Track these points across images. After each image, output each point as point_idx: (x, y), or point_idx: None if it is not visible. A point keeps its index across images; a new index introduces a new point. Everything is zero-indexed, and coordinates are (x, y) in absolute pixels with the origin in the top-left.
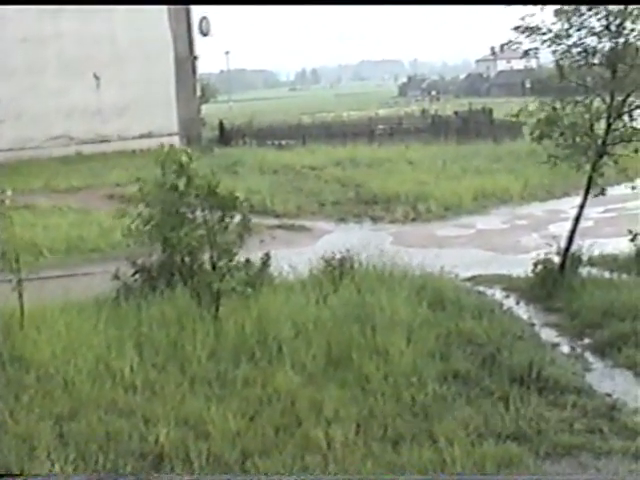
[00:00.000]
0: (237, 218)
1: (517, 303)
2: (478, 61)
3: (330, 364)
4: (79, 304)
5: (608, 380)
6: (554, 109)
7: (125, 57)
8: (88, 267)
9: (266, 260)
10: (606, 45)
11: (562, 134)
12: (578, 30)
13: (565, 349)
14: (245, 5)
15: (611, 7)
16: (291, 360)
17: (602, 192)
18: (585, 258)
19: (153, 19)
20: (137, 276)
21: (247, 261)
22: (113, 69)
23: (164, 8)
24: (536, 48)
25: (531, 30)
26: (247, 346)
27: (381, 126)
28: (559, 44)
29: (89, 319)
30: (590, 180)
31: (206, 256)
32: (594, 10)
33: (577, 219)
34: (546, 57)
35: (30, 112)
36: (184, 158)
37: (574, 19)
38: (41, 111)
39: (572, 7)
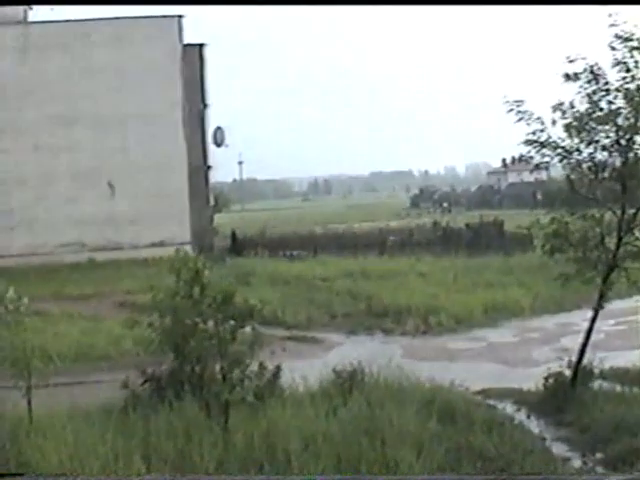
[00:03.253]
0: (247, 329)
1: (528, 417)
2: (489, 173)
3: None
4: (87, 412)
5: None
6: (565, 223)
7: (139, 167)
8: (97, 375)
9: (277, 372)
10: (616, 160)
11: (573, 247)
12: (588, 144)
13: (577, 463)
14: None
15: (621, 122)
16: (300, 473)
17: (600, 307)
18: (596, 371)
19: (168, 129)
20: (146, 385)
21: (257, 372)
22: (126, 178)
23: (179, 119)
24: (547, 162)
25: (542, 145)
26: (255, 458)
27: (392, 237)
28: (569, 159)
29: (97, 428)
30: (602, 294)
31: (217, 366)
32: (604, 126)
33: (588, 332)
34: (557, 170)
35: (42, 219)
36: (199, 265)
37: (584, 134)
38: (53, 218)
39: (582, 122)
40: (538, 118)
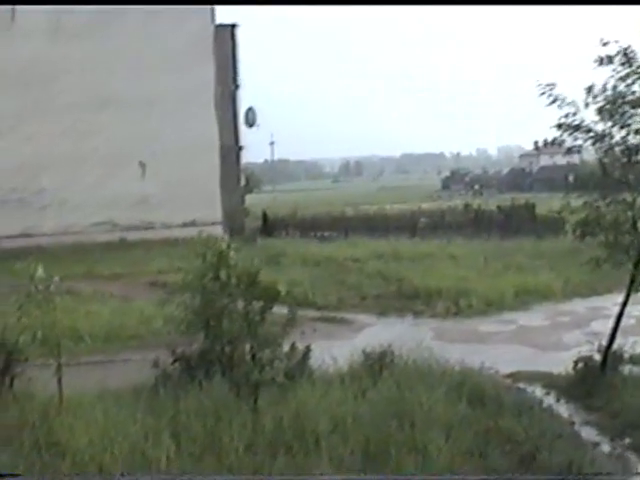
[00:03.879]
0: (280, 310)
1: (557, 401)
2: (521, 156)
3: (368, 459)
4: (117, 391)
5: None
6: (597, 207)
7: (170, 147)
8: (127, 354)
9: (306, 352)
10: None
11: (604, 231)
12: (621, 128)
13: (605, 449)
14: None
15: None
16: (328, 454)
17: (637, 290)
18: (626, 356)
19: (200, 110)
20: (176, 365)
21: (288, 353)
22: (158, 159)
23: (211, 99)
24: (579, 146)
25: (574, 128)
26: (285, 439)
27: (424, 220)
28: (602, 142)
29: (127, 407)
30: (633, 278)
31: (247, 346)
32: (637, 110)
33: (619, 317)
34: (589, 153)
35: (74, 199)
36: (224, 247)
37: (617, 117)
38: (85, 199)
39: (615, 106)
40: (571, 102)
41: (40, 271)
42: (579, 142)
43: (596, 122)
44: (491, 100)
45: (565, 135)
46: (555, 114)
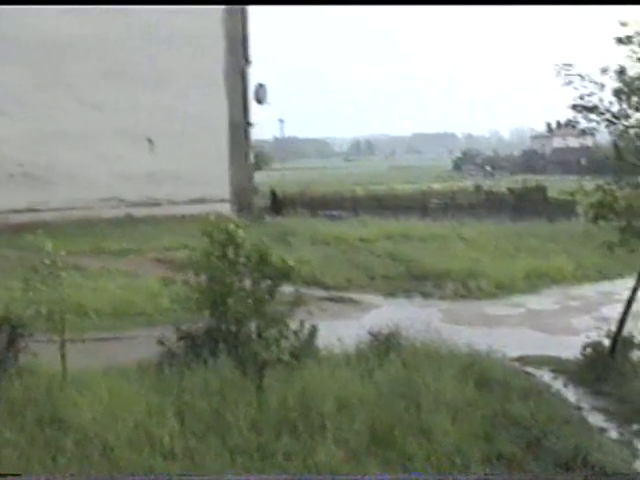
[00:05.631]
0: (286, 289)
1: (565, 386)
2: (533, 137)
3: (373, 441)
4: (122, 368)
5: None
6: (611, 191)
7: (179, 123)
8: (133, 331)
9: (313, 332)
10: None
11: (618, 215)
12: (637, 110)
13: (613, 434)
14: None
15: None
16: (333, 435)
17: None
18: (636, 342)
19: (209, 86)
20: (182, 343)
21: (294, 332)
22: (166, 135)
23: (221, 75)
24: (593, 128)
25: (589, 110)
26: (289, 419)
27: (434, 200)
28: (617, 124)
29: (131, 384)
30: None
31: (253, 325)
32: None
33: (630, 302)
34: (603, 135)
35: (82, 174)
36: (231, 227)
37: (634, 99)
38: (93, 173)
39: (632, 87)
40: (588, 80)
41: (48, 245)
42: (593, 124)
43: (611, 103)
44: (504, 81)
45: (579, 116)
46: (569, 95)
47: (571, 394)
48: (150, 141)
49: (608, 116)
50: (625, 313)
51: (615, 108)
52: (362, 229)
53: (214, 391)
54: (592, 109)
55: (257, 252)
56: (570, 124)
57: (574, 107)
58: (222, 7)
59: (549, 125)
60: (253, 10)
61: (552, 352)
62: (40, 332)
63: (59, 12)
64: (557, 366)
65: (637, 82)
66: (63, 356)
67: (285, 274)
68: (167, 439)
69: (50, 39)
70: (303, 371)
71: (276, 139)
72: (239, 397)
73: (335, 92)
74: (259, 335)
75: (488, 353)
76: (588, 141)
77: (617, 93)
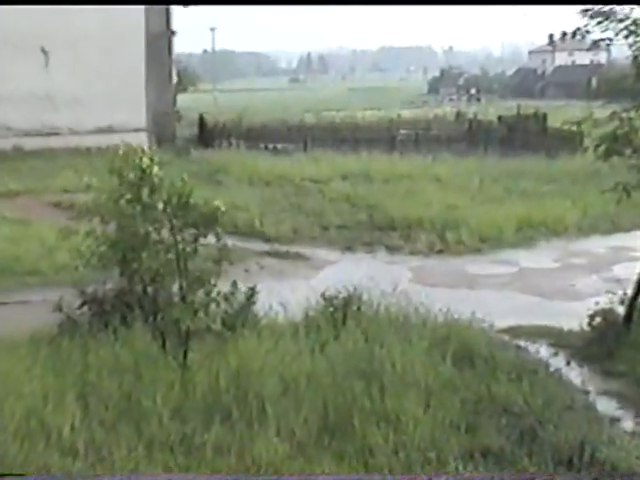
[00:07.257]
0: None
1: (567, 363)
2: (532, 52)
3: (325, 431)
4: (10, 341)
5: None
6: (629, 120)
7: (82, 31)
8: (24, 294)
9: (251, 295)
10: None
11: (635, 152)
12: None
13: (628, 425)
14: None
15: None
16: (276, 424)
17: None
18: None
19: None
20: (85, 308)
21: (227, 295)
22: (66, 46)
23: None
24: (609, 38)
25: (604, 15)
26: (221, 403)
27: (404, 131)
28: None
29: (22, 360)
30: None
31: (175, 287)
32: None
33: None
34: (620, 50)
35: None
36: (146, 162)
37: None
38: None
39: None
40: None
41: None
42: (609, 34)
43: (632, 9)
44: None
45: (591, 24)
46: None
47: (575, 374)
48: (44, 52)
49: (628, 23)
50: None
51: (637, 13)
52: (312, 166)
53: (126, 369)
54: (608, 14)
55: (178, 194)
56: (579, 34)
57: (585, 12)
58: None
59: (551, 36)
60: None
61: (551, 321)
62: None
63: None
64: (557, 339)
65: None
66: None
67: (212, 221)
68: (67, 430)
69: None
70: (238, 344)
71: (206, 52)
72: (158, 376)
73: None
74: (182, 299)
75: (470, 322)
76: (601, 57)
77: None
